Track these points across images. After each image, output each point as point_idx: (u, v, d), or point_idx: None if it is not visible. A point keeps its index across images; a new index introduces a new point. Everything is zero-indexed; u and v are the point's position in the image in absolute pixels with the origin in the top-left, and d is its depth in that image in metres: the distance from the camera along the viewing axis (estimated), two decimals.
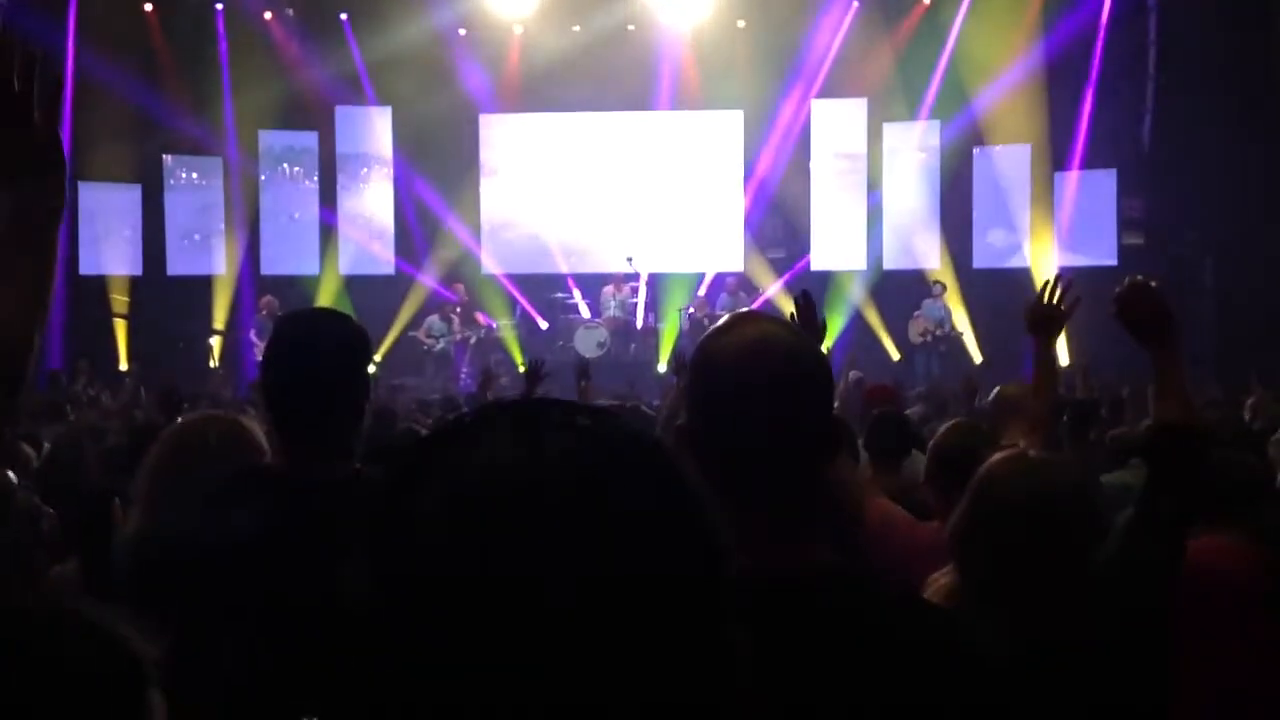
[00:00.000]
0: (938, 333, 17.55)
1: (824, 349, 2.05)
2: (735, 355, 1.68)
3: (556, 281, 19.16)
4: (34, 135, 1.85)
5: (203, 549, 2.33)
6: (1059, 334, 3.85)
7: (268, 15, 18.53)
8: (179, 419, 3.50)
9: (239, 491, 2.47)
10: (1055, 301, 3.82)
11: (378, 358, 17.49)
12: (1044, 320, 3.83)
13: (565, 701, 0.80)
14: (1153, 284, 2.99)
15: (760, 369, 1.65)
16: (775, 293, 18.64)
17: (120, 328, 17.68)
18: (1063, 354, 17.30)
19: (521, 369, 17.13)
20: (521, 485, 0.84)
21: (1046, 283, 3.86)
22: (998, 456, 2.65)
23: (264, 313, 17.29)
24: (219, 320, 18.29)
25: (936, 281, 17.98)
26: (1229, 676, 3.20)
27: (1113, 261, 17.54)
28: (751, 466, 1.64)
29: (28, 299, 1.87)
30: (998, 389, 5.49)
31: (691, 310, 17.94)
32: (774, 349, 1.67)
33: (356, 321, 2.60)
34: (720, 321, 1.77)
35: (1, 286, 1.86)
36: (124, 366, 17.13)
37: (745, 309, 17.32)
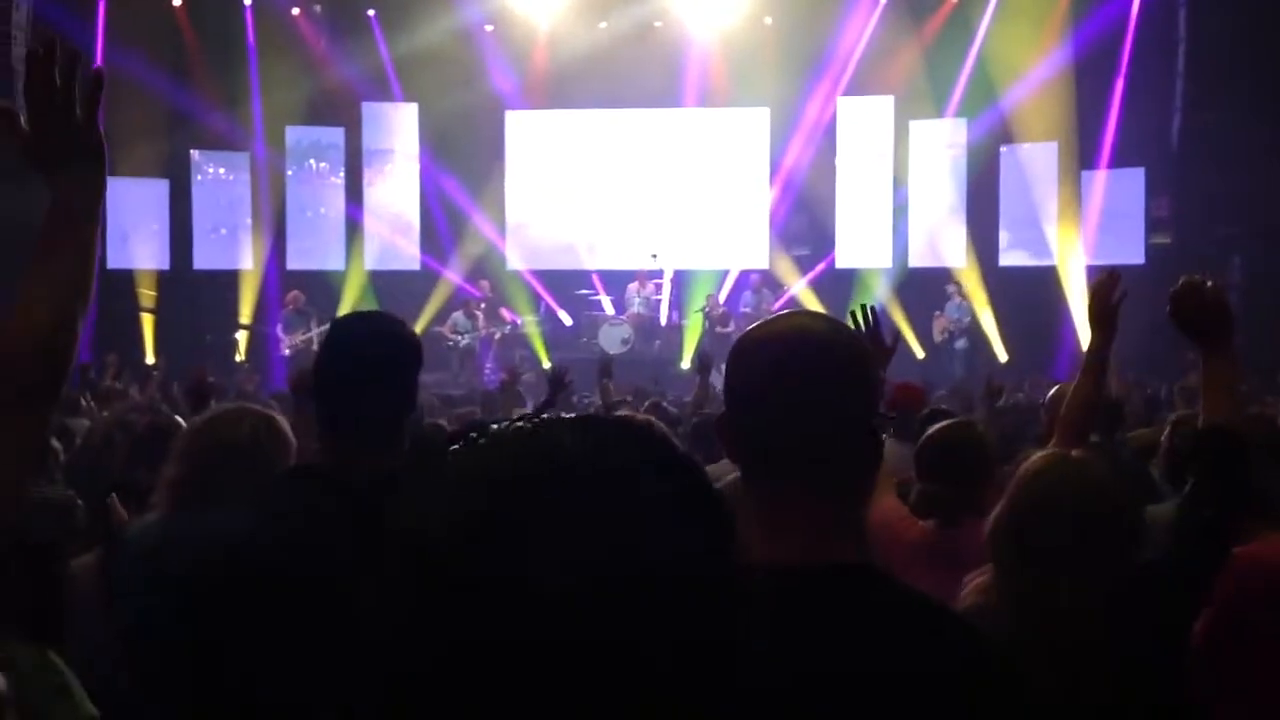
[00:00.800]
0: (954, 328, 17.48)
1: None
2: (770, 348, 1.69)
3: (581, 278, 19.17)
4: (75, 129, 1.89)
5: (258, 547, 2.34)
6: (1113, 333, 3.75)
7: (296, 11, 18.61)
8: (208, 411, 3.52)
9: (292, 489, 2.49)
10: (1113, 298, 3.74)
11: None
12: (1103, 316, 3.73)
13: (580, 688, 0.81)
14: (1209, 283, 2.97)
15: (793, 360, 1.66)
16: (800, 290, 18.61)
17: (147, 322, 17.79)
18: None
19: (546, 365, 17.24)
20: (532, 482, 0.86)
21: (1104, 276, 3.77)
22: (1039, 455, 2.65)
23: (290, 308, 17.36)
24: (245, 315, 18.37)
25: (952, 283, 17.90)
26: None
27: (1140, 260, 17.44)
28: (783, 458, 1.65)
29: (69, 290, 1.89)
30: (1055, 388, 5.50)
31: (706, 309, 17.93)
32: (808, 341, 1.68)
33: (407, 325, 2.64)
34: (762, 320, 1.78)
35: (43, 278, 1.88)
36: (151, 360, 17.24)
37: (788, 309, 17.38)
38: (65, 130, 1.89)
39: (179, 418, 5.36)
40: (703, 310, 18.00)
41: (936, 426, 4.09)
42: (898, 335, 3.62)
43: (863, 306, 3.42)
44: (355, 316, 2.88)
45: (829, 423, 1.63)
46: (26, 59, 1.85)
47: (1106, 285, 3.70)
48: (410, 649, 0.84)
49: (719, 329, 17.40)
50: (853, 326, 3.59)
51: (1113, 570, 2.40)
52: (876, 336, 3.48)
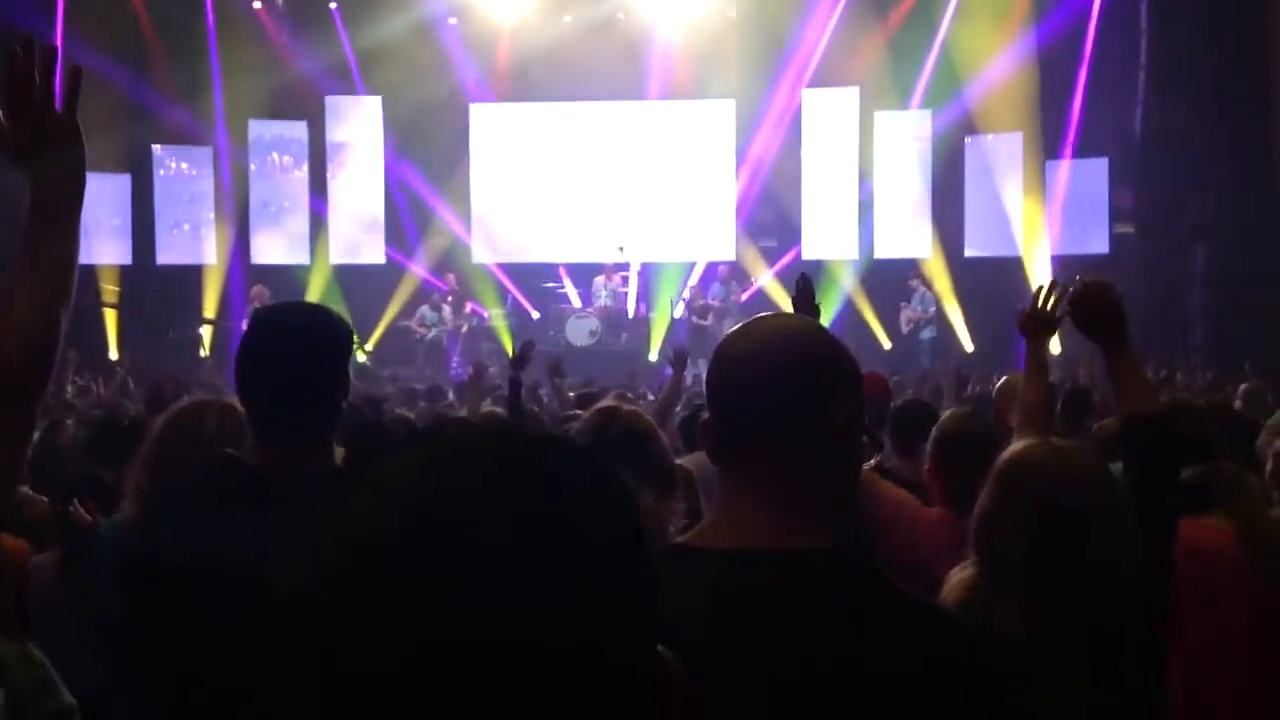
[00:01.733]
0: (920, 318, 17.57)
1: None
2: (749, 349, 1.72)
3: (548, 271, 19.15)
4: (54, 122, 1.93)
5: (185, 552, 2.30)
6: (1050, 337, 3.99)
7: (257, 4, 18.50)
8: (173, 406, 3.48)
9: (219, 489, 2.43)
10: (1049, 307, 3.92)
11: (369, 347, 17.52)
12: (1037, 324, 3.95)
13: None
14: (1105, 282, 3.08)
15: (771, 362, 1.68)
16: (767, 282, 18.64)
17: (110, 317, 17.64)
18: (1055, 343, 17.33)
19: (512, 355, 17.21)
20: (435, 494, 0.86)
21: (1040, 289, 3.98)
22: (1021, 444, 2.66)
23: (255, 303, 17.26)
24: (209, 310, 18.27)
25: (915, 275, 17.97)
26: (1229, 651, 3.24)
27: (1105, 250, 17.56)
28: (764, 456, 1.66)
29: (52, 282, 1.92)
30: (1004, 379, 5.60)
31: (688, 300, 17.95)
32: (786, 342, 1.70)
33: (336, 314, 2.55)
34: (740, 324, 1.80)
35: (26, 270, 1.91)
36: (114, 356, 17.10)
37: (737, 302, 17.42)
38: (45, 124, 1.92)
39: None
40: (683, 300, 18.02)
41: (947, 415, 4.18)
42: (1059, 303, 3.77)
43: (1052, 283, 3.58)
44: (272, 310, 2.82)
45: (813, 424, 1.65)
46: (4, 57, 1.87)
47: (1043, 297, 3.91)
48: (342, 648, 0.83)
49: (696, 320, 17.47)
50: (1035, 303, 3.75)
51: (1097, 558, 2.40)
52: (807, 305, 3.52)
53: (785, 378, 1.66)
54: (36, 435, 5.74)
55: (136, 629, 2.33)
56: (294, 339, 2.44)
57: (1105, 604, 2.40)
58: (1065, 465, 2.48)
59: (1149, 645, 2.57)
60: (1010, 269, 17.75)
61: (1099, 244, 17.65)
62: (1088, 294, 3.06)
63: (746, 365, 1.69)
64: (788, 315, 1.83)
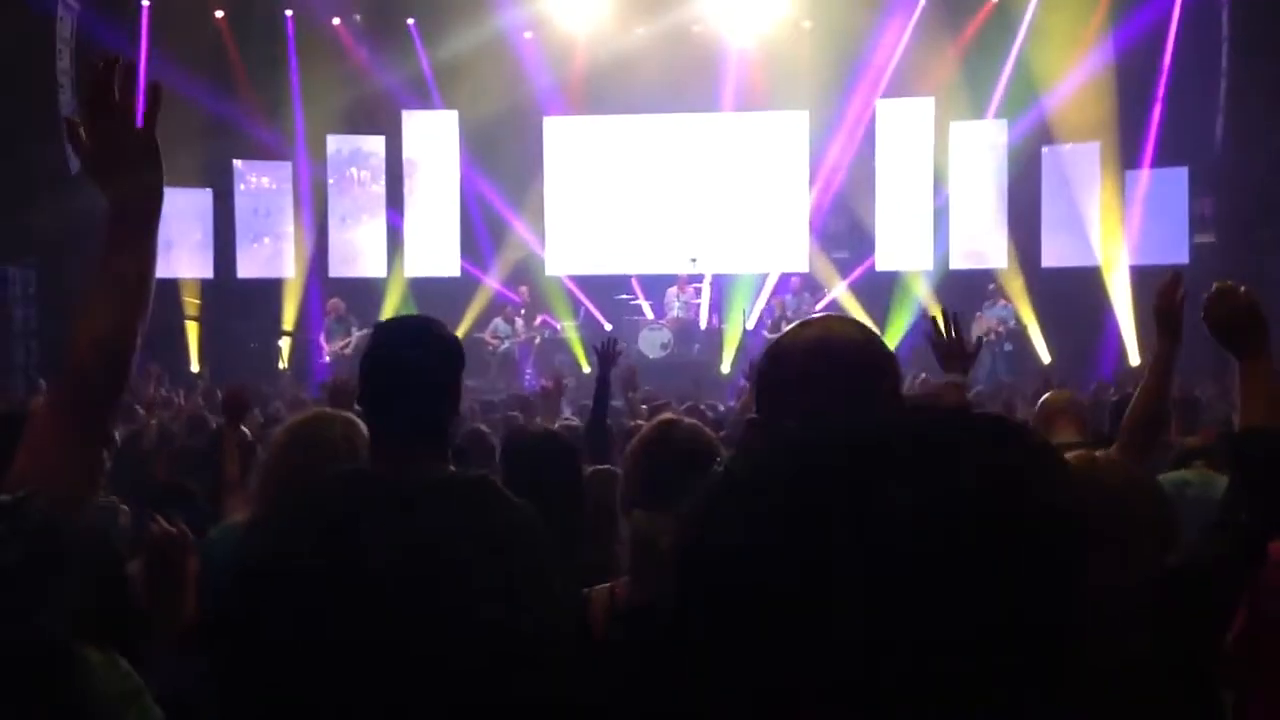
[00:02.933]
0: (1000, 330, 17.36)
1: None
2: (800, 351, 1.74)
3: (620, 283, 19.18)
4: (133, 139, 1.95)
5: (317, 560, 2.37)
6: (1180, 334, 3.71)
7: (336, 21, 18.74)
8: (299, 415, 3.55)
9: (350, 496, 2.51)
10: (1178, 300, 3.75)
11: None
12: (1170, 319, 3.72)
13: None
14: (1242, 288, 2.97)
15: (821, 362, 1.69)
16: (840, 293, 18.56)
17: (191, 331, 17.95)
18: (1134, 353, 17.10)
19: (586, 370, 17.27)
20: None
21: (1174, 275, 3.74)
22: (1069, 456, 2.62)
23: (331, 315, 17.49)
24: (288, 322, 18.51)
25: (992, 287, 17.79)
26: None
27: (1184, 260, 17.28)
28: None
29: (128, 297, 1.94)
30: (1045, 397, 5.53)
31: (771, 311, 17.91)
32: (835, 344, 1.71)
33: (450, 330, 2.65)
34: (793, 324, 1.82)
35: (103, 284, 1.93)
36: (195, 369, 17.40)
37: (807, 313, 17.36)
38: (125, 140, 1.94)
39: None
40: (765, 312, 18.00)
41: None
42: (979, 341, 3.69)
43: (943, 312, 3.46)
44: (396, 322, 2.90)
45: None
46: (86, 72, 1.92)
47: (1170, 286, 3.69)
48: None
49: (769, 336, 17.43)
50: (935, 332, 3.65)
51: (1141, 571, 2.36)
52: (958, 341, 3.49)
53: (850, 381, 1.68)
54: (118, 445, 5.86)
55: (255, 631, 2.38)
56: (418, 351, 2.54)
57: (1102, 625, 2.34)
58: (1107, 478, 2.44)
59: (1195, 680, 2.45)
60: (1089, 279, 17.54)
61: (1179, 254, 17.37)
62: (1223, 298, 3.00)
63: (806, 369, 1.70)
64: (837, 319, 1.84)
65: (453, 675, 2.27)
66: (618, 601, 2.66)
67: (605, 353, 6.44)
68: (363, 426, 3.08)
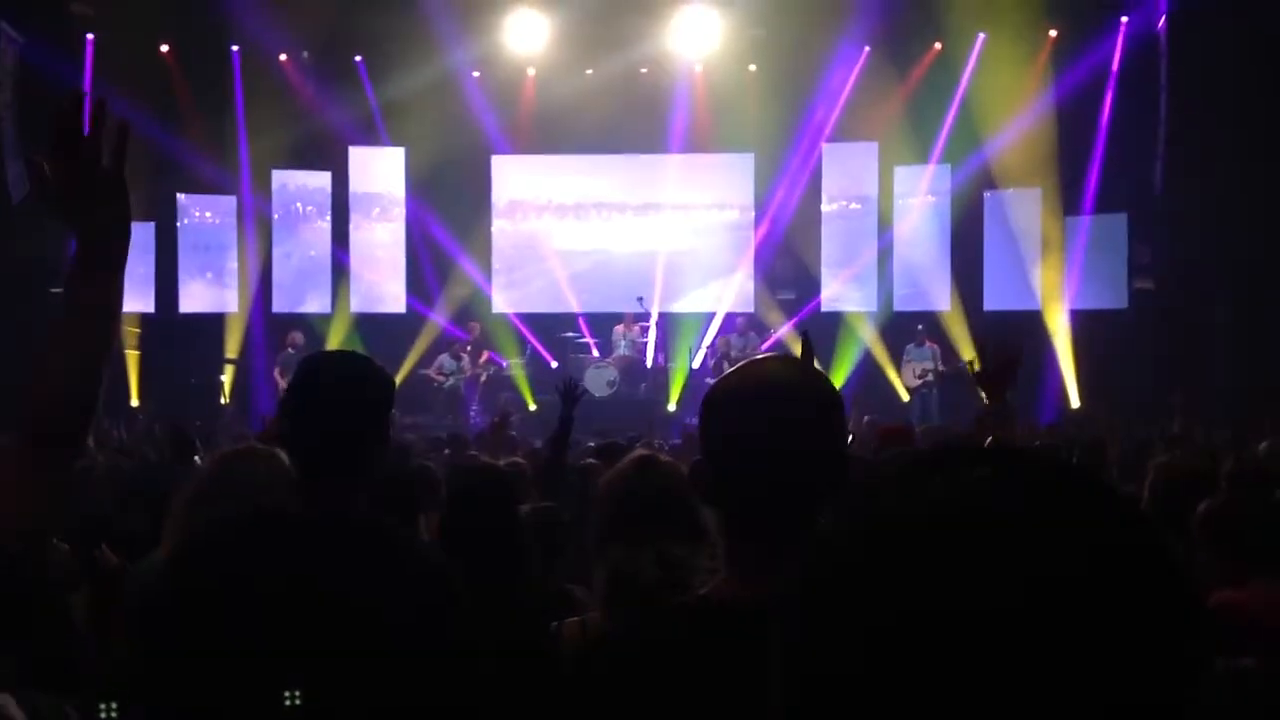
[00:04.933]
0: (930, 376, 17.49)
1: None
2: (740, 395, 1.75)
3: (567, 321, 19.20)
4: (101, 179, 1.91)
5: (225, 593, 2.33)
6: (1004, 387, 4.01)
7: (283, 57, 18.69)
8: (202, 454, 3.52)
9: (262, 532, 2.48)
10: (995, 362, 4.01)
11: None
12: (993, 379, 3.99)
13: None
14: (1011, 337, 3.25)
15: (761, 407, 1.71)
16: (785, 333, 18.67)
17: (132, 364, 17.74)
18: (1074, 396, 17.32)
19: (532, 407, 17.23)
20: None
21: (982, 346, 4.12)
22: None
23: (290, 349, 17.32)
24: (231, 350, 18.34)
25: (920, 327, 17.94)
26: None
27: (1124, 305, 17.55)
28: (754, 501, 1.69)
29: (95, 341, 1.92)
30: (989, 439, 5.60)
31: (717, 348, 17.95)
32: (777, 388, 1.73)
33: (379, 365, 2.62)
34: (732, 367, 1.83)
35: (69, 321, 1.91)
36: (135, 403, 17.20)
37: (759, 354, 17.44)
38: (92, 179, 1.91)
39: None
40: (712, 350, 18.03)
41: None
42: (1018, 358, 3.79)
43: (990, 341, 3.63)
44: (322, 356, 2.86)
45: (797, 465, 1.67)
46: (55, 110, 1.88)
47: (1005, 352, 3.94)
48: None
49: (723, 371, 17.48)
50: (979, 360, 3.78)
51: None
52: (1002, 364, 3.58)
53: (790, 425, 1.69)
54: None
55: (156, 669, 2.35)
56: (344, 387, 2.50)
57: None
58: None
59: None
60: (1030, 323, 17.75)
61: (1118, 299, 17.64)
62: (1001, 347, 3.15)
63: (746, 413, 1.71)
64: (776, 360, 1.86)
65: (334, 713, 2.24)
66: (589, 633, 2.65)
67: (568, 394, 6.45)
68: (287, 463, 3.05)
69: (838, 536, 0.83)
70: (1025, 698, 0.73)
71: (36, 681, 2.02)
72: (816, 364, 3.64)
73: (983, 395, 4.00)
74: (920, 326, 17.89)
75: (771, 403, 1.71)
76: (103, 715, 2.11)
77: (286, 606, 2.26)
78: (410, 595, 2.36)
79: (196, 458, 5.15)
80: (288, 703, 2.20)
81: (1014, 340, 3.90)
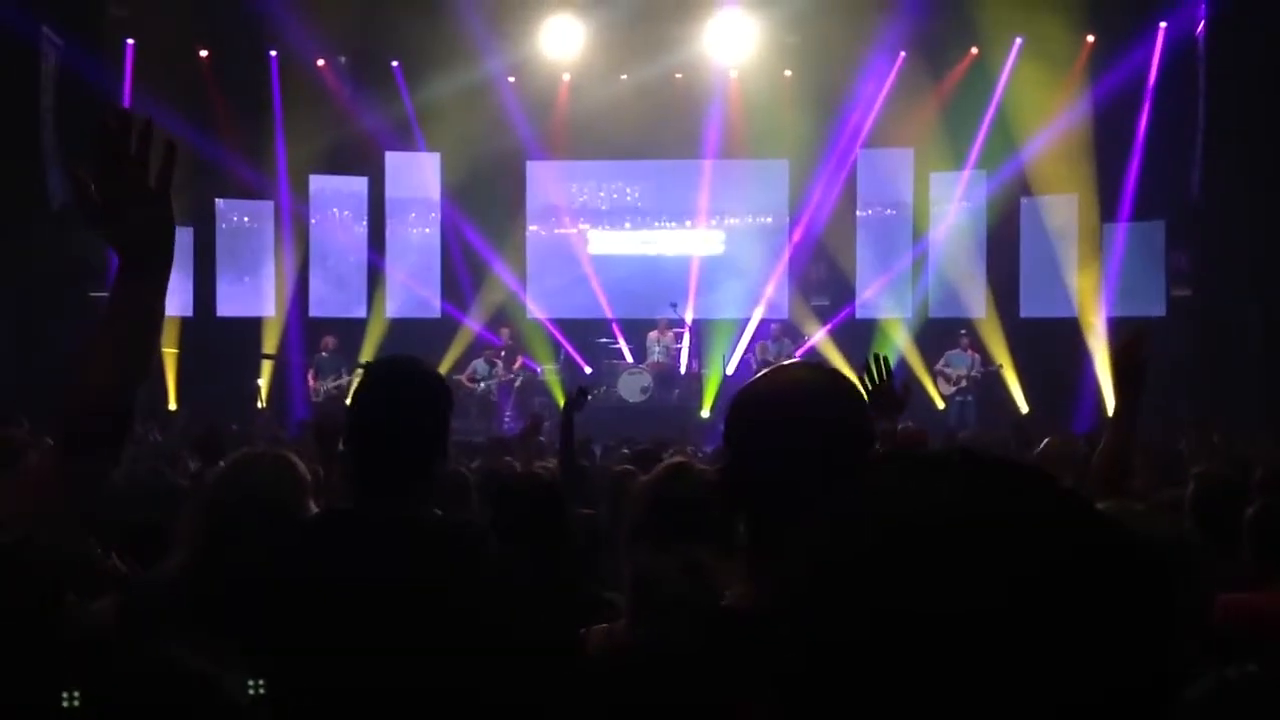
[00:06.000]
0: (964, 383, 17.43)
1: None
2: (762, 399, 1.78)
3: (601, 326, 19.22)
4: (146, 198, 1.92)
5: (298, 587, 2.37)
6: (1142, 387, 3.61)
7: (321, 62, 18.80)
8: (222, 460, 3.55)
9: (329, 532, 2.52)
10: (1141, 353, 3.67)
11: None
12: (1131, 372, 3.62)
13: None
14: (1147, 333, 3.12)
15: (785, 406, 1.73)
16: (820, 339, 18.64)
17: (169, 368, 17.87)
18: (1111, 405, 17.18)
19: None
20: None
21: (1141, 331, 3.66)
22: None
23: (324, 353, 17.41)
24: (269, 345, 18.40)
25: (963, 333, 17.87)
26: None
27: (1161, 313, 17.41)
28: (772, 501, 1.70)
29: (134, 355, 1.94)
30: (1046, 442, 5.52)
31: (755, 354, 17.93)
32: (800, 388, 1.73)
33: (438, 371, 2.67)
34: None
35: (110, 341, 1.93)
36: (173, 406, 17.32)
37: (787, 359, 17.41)
38: (136, 198, 1.91)
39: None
40: (752, 355, 18.02)
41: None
42: (909, 386, 3.65)
43: (876, 357, 3.44)
44: (385, 362, 2.90)
45: (820, 469, 1.67)
46: (100, 127, 1.88)
47: (1134, 342, 3.63)
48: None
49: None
50: (868, 376, 3.65)
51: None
52: (889, 387, 3.49)
53: (808, 427, 1.71)
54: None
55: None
56: (407, 393, 2.57)
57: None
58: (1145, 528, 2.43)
59: None
60: (1066, 330, 17.64)
61: (1156, 307, 17.50)
62: (1136, 344, 3.07)
63: (767, 416, 1.74)
64: (803, 366, 1.87)
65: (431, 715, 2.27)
66: (616, 640, 2.66)
67: (570, 403, 6.50)
68: (299, 466, 3.08)
69: (820, 539, 0.84)
70: (1008, 696, 0.75)
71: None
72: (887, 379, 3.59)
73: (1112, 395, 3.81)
74: (963, 332, 17.83)
75: (791, 406, 1.73)
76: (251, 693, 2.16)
77: (377, 604, 2.30)
78: (495, 594, 2.39)
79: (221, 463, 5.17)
80: (378, 697, 2.24)
81: (1143, 338, 3.55)
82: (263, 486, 3.00)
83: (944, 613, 0.76)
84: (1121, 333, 3.44)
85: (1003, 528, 0.79)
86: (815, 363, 1.92)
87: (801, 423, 1.71)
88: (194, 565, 2.96)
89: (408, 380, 2.61)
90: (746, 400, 1.79)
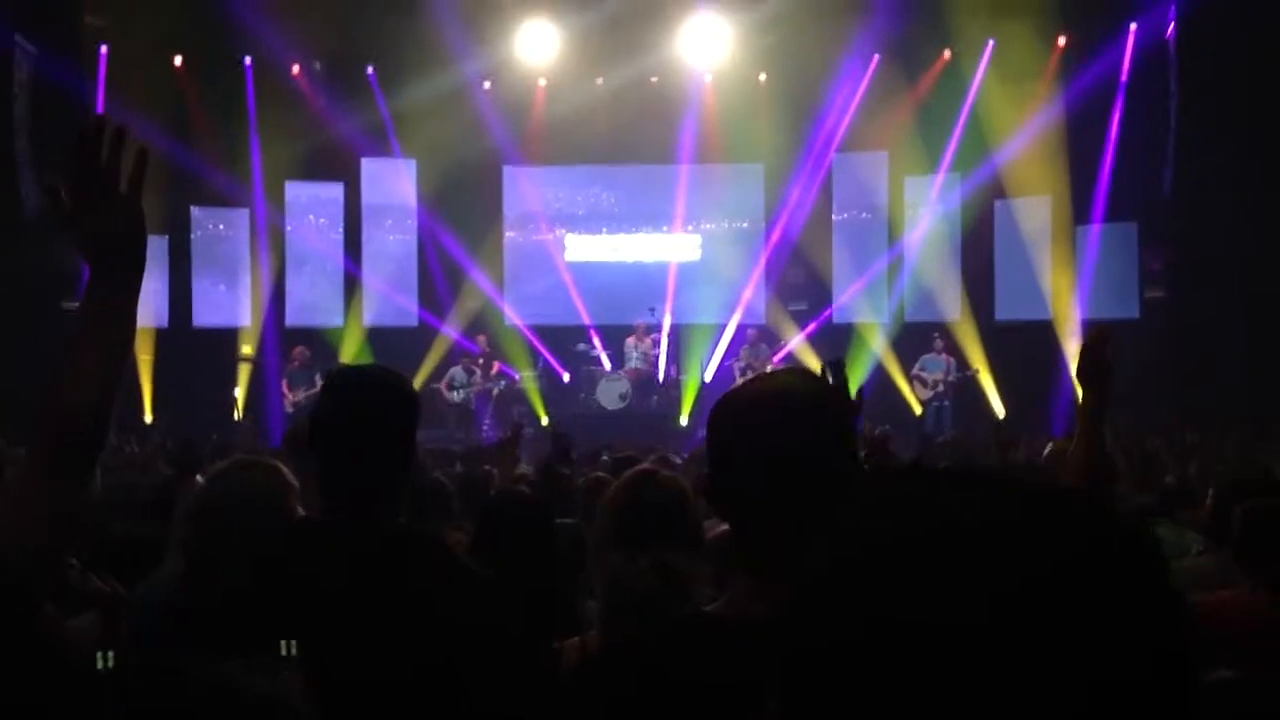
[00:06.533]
0: (941, 387, 17.48)
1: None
2: (741, 406, 1.77)
3: (579, 333, 19.21)
4: (118, 208, 1.92)
5: (271, 599, 2.36)
6: (1108, 389, 3.62)
7: (295, 69, 18.75)
8: (206, 469, 3.54)
9: (300, 543, 2.51)
10: (1102, 354, 3.71)
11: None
12: (1097, 374, 3.61)
13: None
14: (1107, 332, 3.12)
15: (766, 413, 1.73)
16: (797, 344, 18.67)
17: (145, 378, 17.77)
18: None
19: (544, 421, 17.23)
20: None
21: (1100, 330, 3.71)
22: None
23: (296, 364, 17.35)
24: (242, 377, 18.32)
25: (937, 336, 17.94)
26: None
27: (1135, 314, 17.51)
28: (752, 510, 1.71)
29: (107, 368, 1.93)
30: (1052, 444, 5.53)
31: (740, 361, 17.91)
32: (780, 394, 1.75)
33: (405, 377, 2.65)
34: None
35: (82, 354, 1.92)
36: (148, 418, 17.22)
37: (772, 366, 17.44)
38: (108, 206, 1.91)
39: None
40: (736, 362, 18.02)
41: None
42: (862, 388, 3.64)
43: (828, 364, 3.46)
44: (351, 370, 2.89)
45: (802, 474, 1.68)
46: (75, 135, 1.88)
47: (1098, 341, 3.65)
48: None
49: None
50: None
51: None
52: (842, 390, 3.50)
53: (789, 434, 1.71)
54: None
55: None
56: (373, 401, 2.53)
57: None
58: None
59: None
60: (1041, 333, 17.72)
61: (1130, 308, 17.60)
62: (1101, 342, 3.18)
63: (747, 422, 1.74)
64: (784, 373, 1.88)
65: None
66: (589, 650, 2.66)
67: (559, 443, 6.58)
68: (288, 475, 3.07)
69: (818, 550, 0.85)
70: (993, 708, 0.76)
71: None
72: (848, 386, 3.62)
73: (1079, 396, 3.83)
74: (937, 335, 17.89)
75: (772, 414, 1.73)
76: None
77: (346, 610, 2.29)
78: (460, 604, 2.38)
79: (198, 476, 5.13)
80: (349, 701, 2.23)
81: (1106, 338, 3.54)
82: (258, 494, 3.00)
83: (937, 620, 0.77)
84: (1086, 335, 3.47)
85: (990, 536, 0.80)
86: (799, 369, 1.93)
87: (783, 429, 1.71)
88: (189, 575, 2.95)
89: (369, 388, 2.58)
90: (728, 407, 1.79)
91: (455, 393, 17.75)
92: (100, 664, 1.89)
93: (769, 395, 1.77)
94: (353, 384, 2.62)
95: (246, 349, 18.34)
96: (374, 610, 2.32)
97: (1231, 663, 3.05)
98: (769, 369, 17.30)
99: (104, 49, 17.67)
